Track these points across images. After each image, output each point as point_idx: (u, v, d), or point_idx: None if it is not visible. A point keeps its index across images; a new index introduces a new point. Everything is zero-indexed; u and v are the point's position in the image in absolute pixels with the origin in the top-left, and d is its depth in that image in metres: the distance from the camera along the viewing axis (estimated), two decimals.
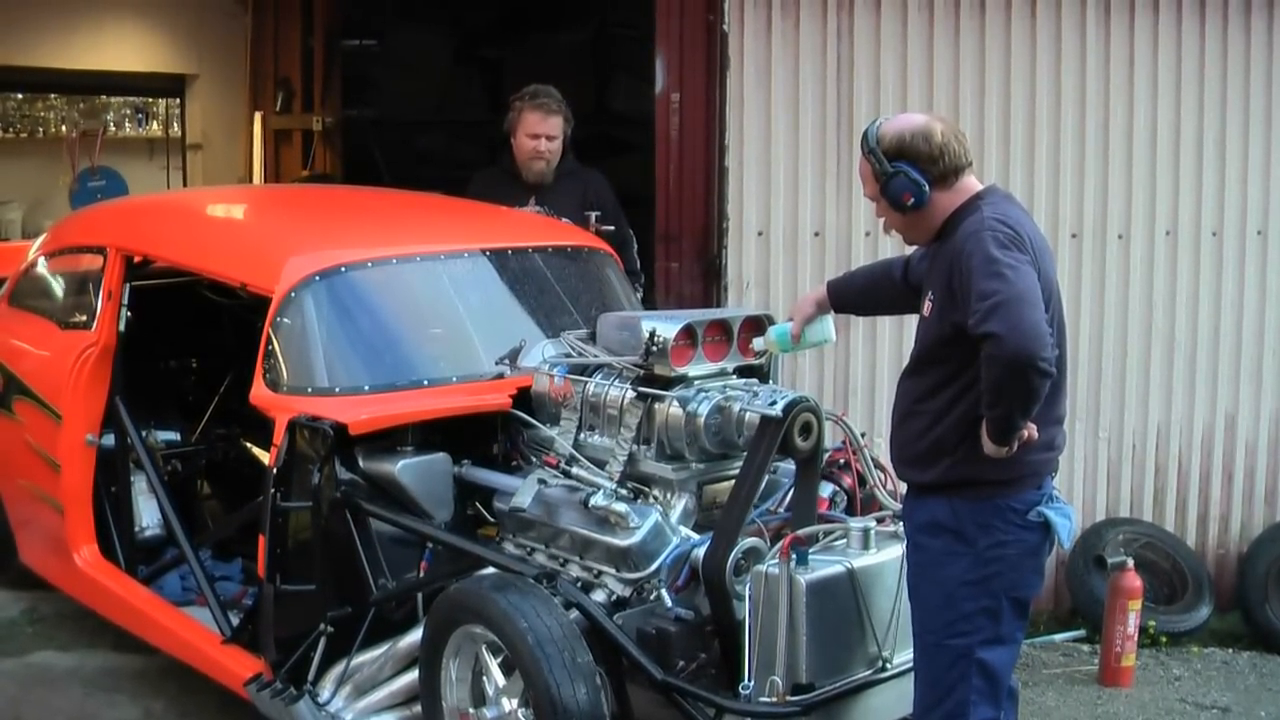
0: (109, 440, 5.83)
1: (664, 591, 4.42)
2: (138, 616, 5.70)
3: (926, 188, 4.01)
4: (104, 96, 15.28)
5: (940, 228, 4.07)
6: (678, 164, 6.92)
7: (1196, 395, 7.16)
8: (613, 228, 6.56)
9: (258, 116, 12.29)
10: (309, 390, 4.98)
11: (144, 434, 5.98)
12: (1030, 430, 3.91)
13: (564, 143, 6.71)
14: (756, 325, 4.84)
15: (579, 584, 4.55)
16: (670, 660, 4.28)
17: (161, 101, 15.21)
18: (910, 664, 4.29)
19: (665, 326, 4.66)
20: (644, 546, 4.47)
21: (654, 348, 4.63)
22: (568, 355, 5.03)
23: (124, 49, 13.19)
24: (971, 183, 4.09)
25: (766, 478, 4.53)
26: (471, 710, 4.51)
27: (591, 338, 5.05)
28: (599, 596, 4.52)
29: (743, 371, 4.91)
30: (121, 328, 5.79)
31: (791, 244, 6.90)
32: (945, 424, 4.03)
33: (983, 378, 3.82)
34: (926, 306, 4.09)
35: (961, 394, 3.98)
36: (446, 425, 4.94)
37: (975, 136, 6.56)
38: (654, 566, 4.47)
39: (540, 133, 6.61)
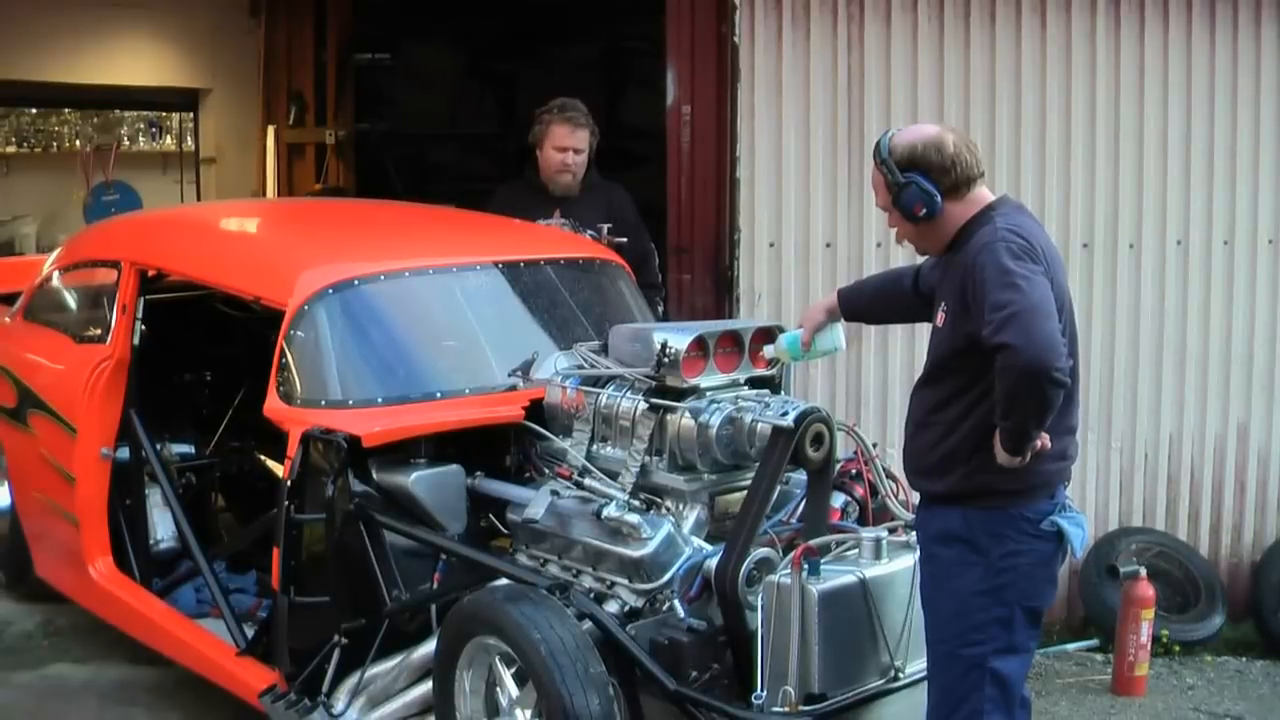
0: (124, 453, 5.84)
1: (676, 602, 4.42)
2: (153, 629, 5.71)
3: (938, 198, 4.02)
4: (117, 111, 15.33)
5: (953, 238, 4.08)
6: (689, 176, 6.93)
7: (1208, 404, 7.17)
8: (626, 240, 6.57)
9: (271, 130, 12.33)
10: (323, 403, 5.00)
11: (158, 447, 5.99)
12: (1043, 440, 3.92)
13: (590, 156, 6.72)
14: (768, 336, 4.84)
15: (592, 595, 4.56)
16: (683, 671, 4.27)
17: (175, 116, 15.25)
18: (922, 674, 4.31)
19: (677, 338, 4.66)
20: (656, 557, 4.48)
21: (666, 359, 4.64)
22: (580, 367, 5.03)
23: (137, 64, 13.23)
24: (984, 193, 4.10)
25: (778, 488, 4.54)
26: None
27: (604, 349, 5.05)
28: (612, 607, 4.52)
29: (754, 382, 4.91)
30: (136, 341, 5.81)
31: (803, 255, 6.91)
32: (959, 434, 4.04)
33: (996, 388, 3.83)
34: (939, 317, 4.10)
35: (975, 404, 3.99)
36: (459, 437, 4.95)
37: (986, 146, 6.56)
38: (666, 577, 4.48)
39: (568, 146, 6.60)
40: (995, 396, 3.84)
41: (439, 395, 5.08)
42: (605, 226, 6.45)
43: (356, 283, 5.25)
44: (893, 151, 4.07)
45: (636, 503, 4.57)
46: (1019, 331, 3.73)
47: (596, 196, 6.74)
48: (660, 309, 6.65)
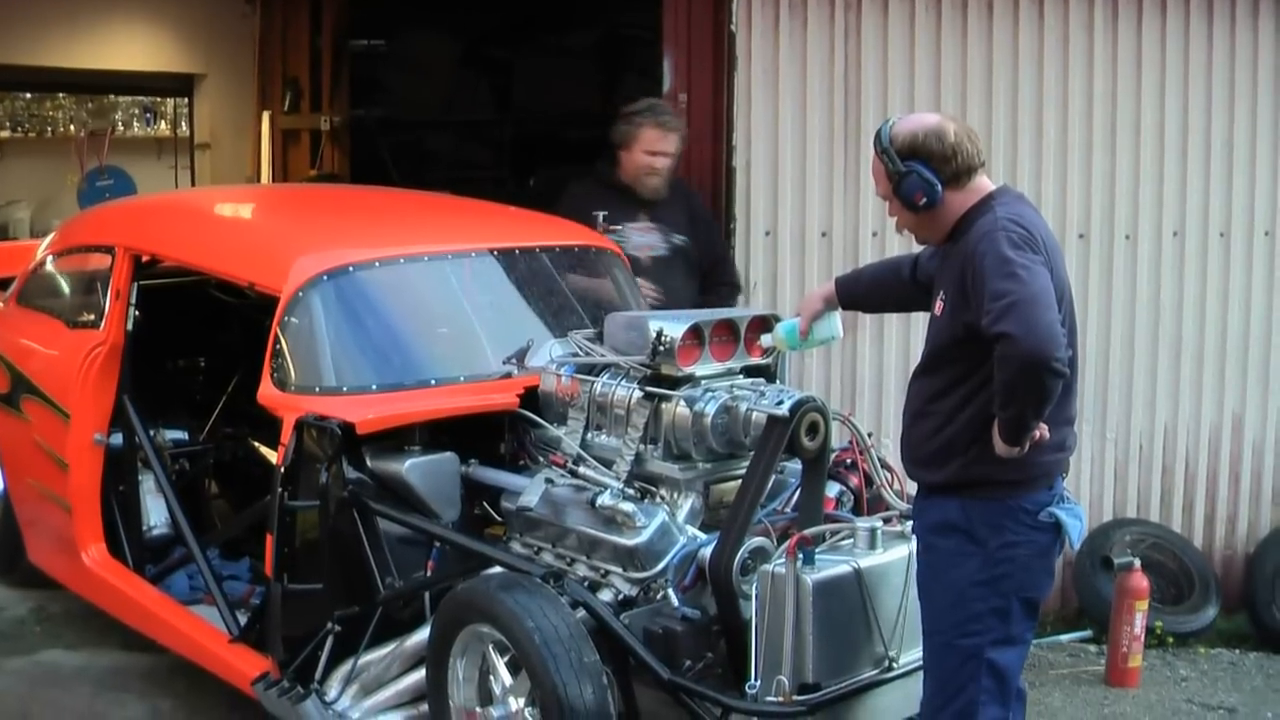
0: (117, 439, 5.83)
1: (671, 591, 4.42)
2: (145, 615, 5.70)
3: (939, 187, 4.01)
4: (112, 96, 15.32)
5: (953, 228, 4.07)
6: (685, 164, 6.90)
7: (1203, 396, 7.16)
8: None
9: (266, 116, 12.30)
10: (317, 389, 4.98)
11: (152, 433, 5.98)
12: (1042, 430, 3.92)
13: (676, 158, 6.55)
14: (763, 325, 4.84)
15: (586, 583, 4.56)
16: (677, 660, 4.28)
17: (170, 101, 15.24)
18: (916, 664, 4.31)
19: (672, 326, 4.66)
20: (651, 546, 4.47)
21: (661, 347, 4.63)
22: (575, 355, 5.03)
23: (132, 48, 13.21)
24: (984, 183, 4.09)
25: (773, 477, 4.53)
26: (478, 709, 4.52)
27: (599, 337, 5.05)
28: (606, 596, 4.52)
29: (750, 371, 4.91)
30: (129, 327, 5.80)
31: (799, 244, 6.90)
32: (957, 424, 4.03)
33: (995, 378, 3.82)
34: (938, 306, 4.09)
35: (973, 394, 3.98)
36: (454, 425, 4.95)
37: (982, 136, 6.41)
38: (661, 566, 4.48)
39: (659, 150, 6.41)
40: (994, 386, 3.84)
41: (433, 382, 5.07)
42: (601, 215, 6.42)
43: (351, 269, 5.24)
44: (894, 140, 4.06)
45: (631, 491, 4.57)
46: (1019, 321, 3.72)
47: (677, 199, 6.59)
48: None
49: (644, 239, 6.44)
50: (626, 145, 6.46)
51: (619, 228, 6.40)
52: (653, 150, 6.41)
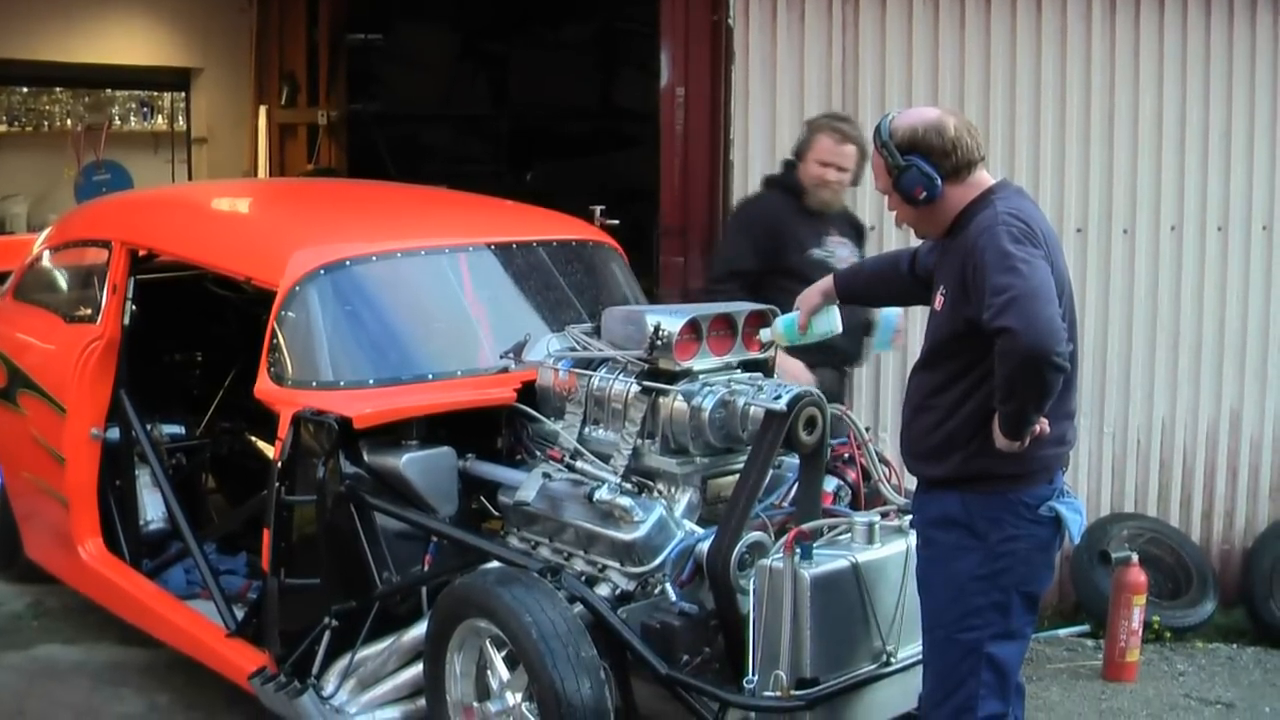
0: (114, 434, 5.82)
1: (668, 586, 4.42)
2: (143, 610, 5.70)
3: (939, 182, 4.00)
4: (109, 90, 15.31)
5: (952, 222, 4.06)
6: (683, 158, 6.91)
7: (1201, 390, 7.16)
8: (617, 222, 6.47)
9: (263, 110, 12.31)
10: (314, 384, 4.98)
11: (149, 428, 5.97)
12: (1042, 425, 3.91)
13: (855, 176, 6.18)
14: (761, 319, 4.84)
15: (583, 578, 4.55)
16: (674, 654, 4.27)
17: (167, 95, 15.24)
18: (914, 659, 4.30)
19: (670, 320, 4.65)
20: (648, 541, 4.47)
21: (659, 342, 4.62)
22: (572, 349, 5.02)
23: (129, 43, 13.20)
24: (984, 177, 4.08)
25: (771, 472, 4.52)
26: (476, 704, 4.52)
27: (596, 332, 5.04)
28: (603, 591, 4.51)
29: (748, 366, 4.91)
30: (126, 321, 5.79)
31: None
32: (957, 418, 4.02)
33: (996, 372, 3.81)
34: (938, 301, 4.08)
35: (974, 388, 3.97)
36: (451, 419, 4.94)
37: (980, 130, 6.50)
38: (658, 561, 4.47)
39: (831, 162, 6.07)
40: (995, 381, 3.83)
41: (430, 377, 5.06)
42: (599, 209, 6.40)
43: (348, 263, 5.23)
44: (893, 134, 4.05)
45: (628, 486, 4.56)
46: (1019, 316, 3.71)
47: (850, 216, 6.39)
48: None
49: (845, 252, 6.17)
50: (801, 154, 6.19)
51: (825, 244, 6.15)
52: (825, 161, 6.06)
